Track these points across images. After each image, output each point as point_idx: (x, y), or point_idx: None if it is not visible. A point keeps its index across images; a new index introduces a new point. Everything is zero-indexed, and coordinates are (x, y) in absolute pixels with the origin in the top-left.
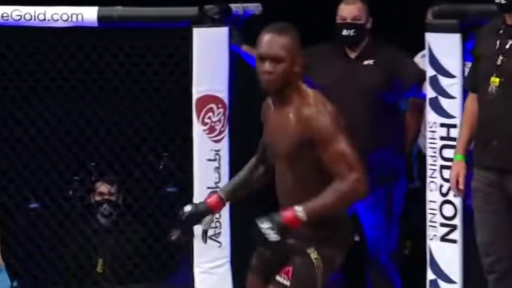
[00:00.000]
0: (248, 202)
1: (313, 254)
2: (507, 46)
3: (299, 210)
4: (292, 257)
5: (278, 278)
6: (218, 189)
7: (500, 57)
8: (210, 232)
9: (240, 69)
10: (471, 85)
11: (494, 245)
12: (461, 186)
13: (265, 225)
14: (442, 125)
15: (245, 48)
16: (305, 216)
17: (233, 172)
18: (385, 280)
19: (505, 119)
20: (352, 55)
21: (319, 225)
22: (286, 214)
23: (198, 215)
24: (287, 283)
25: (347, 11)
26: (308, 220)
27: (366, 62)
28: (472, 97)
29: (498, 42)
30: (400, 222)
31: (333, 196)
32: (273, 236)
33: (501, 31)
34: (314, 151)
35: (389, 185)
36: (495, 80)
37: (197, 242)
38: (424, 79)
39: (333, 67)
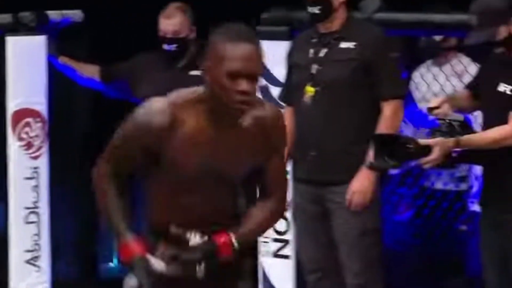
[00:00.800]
0: (68, 221)
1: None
2: (321, 55)
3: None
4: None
5: None
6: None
7: (315, 66)
8: (28, 256)
9: (58, 81)
10: (285, 97)
11: (318, 261)
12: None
13: None
14: None
15: (62, 59)
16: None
17: (52, 191)
18: None
19: (322, 129)
20: (179, 65)
21: None
22: None
23: None
24: None
25: (166, 26)
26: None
27: (192, 73)
28: (288, 110)
29: (312, 51)
30: None
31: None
32: None
33: (314, 40)
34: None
35: None
36: (310, 90)
37: (14, 265)
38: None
39: (158, 77)
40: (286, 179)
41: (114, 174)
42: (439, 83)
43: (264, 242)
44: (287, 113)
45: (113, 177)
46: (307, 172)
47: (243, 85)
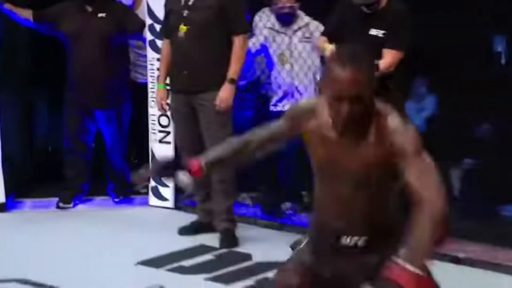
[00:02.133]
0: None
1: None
2: (190, 3)
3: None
4: None
5: None
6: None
7: (185, 11)
8: None
9: (6, 25)
10: (165, 33)
11: (189, 146)
12: (165, 106)
13: None
14: (158, 59)
15: (8, 6)
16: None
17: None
18: (119, 171)
19: (191, 55)
20: (89, 9)
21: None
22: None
23: (175, 167)
24: None
25: None
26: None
27: (100, 15)
28: (166, 42)
29: (183, 0)
30: (129, 133)
31: None
32: None
33: None
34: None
35: (118, 107)
36: (183, 28)
37: None
38: (145, 27)
39: (75, 19)
40: (435, 179)
41: None
42: (270, 22)
43: (153, 133)
44: (165, 44)
45: None
46: (181, 85)
47: (343, 107)
